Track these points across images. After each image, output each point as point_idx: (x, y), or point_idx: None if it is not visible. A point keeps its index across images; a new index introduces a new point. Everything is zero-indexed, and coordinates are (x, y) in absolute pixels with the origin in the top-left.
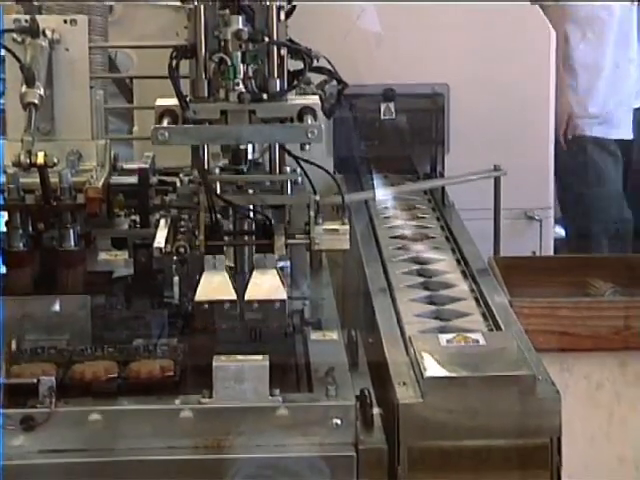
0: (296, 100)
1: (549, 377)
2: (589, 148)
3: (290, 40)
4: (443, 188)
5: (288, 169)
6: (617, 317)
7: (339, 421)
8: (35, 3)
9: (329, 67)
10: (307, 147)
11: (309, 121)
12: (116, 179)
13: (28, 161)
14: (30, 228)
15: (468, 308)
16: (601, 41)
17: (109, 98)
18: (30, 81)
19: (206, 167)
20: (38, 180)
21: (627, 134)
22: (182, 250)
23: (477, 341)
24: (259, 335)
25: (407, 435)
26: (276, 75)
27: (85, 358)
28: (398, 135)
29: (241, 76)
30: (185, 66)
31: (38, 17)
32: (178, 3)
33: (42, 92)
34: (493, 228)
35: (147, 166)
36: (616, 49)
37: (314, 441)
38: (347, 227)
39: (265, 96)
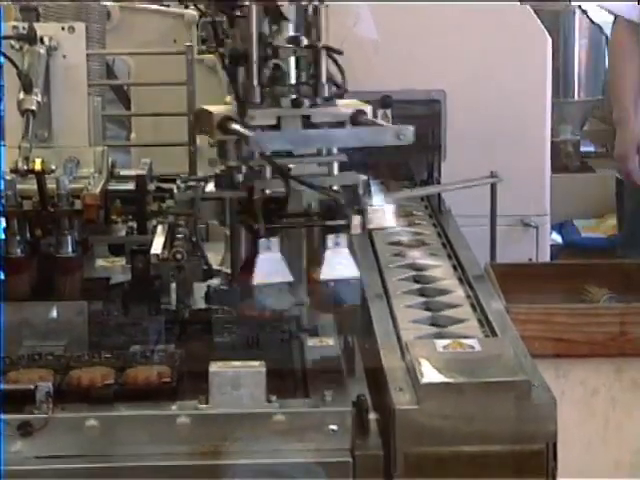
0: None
1: (545, 383)
2: None
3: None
4: (440, 194)
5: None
6: (613, 323)
7: (335, 427)
8: (34, 3)
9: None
10: None
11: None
12: (113, 186)
13: (25, 168)
14: (28, 234)
15: (464, 314)
16: None
17: (107, 105)
18: (28, 88)
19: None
20: (35, 187)
21: None
22: (179, 256)
23: (473, 347)
24: (256, 341)
25: (403, 441)
26: (324, 80)
27: (82, 364)
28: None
29: (293, 81)
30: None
31: (36, 24)
32: (177, 10)
33: (40, 99)
34: (489, 235)
35: (144, 173)
36: None
37: (310, 447)
38: (392, 206)
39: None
